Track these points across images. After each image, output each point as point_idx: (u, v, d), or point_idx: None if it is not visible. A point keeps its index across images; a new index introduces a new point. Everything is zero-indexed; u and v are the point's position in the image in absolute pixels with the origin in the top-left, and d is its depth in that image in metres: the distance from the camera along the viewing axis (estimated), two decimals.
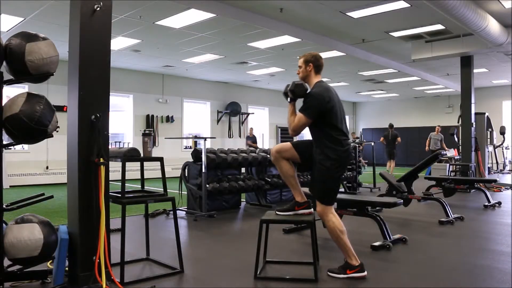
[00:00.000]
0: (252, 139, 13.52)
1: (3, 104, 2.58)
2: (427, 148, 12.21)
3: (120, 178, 3.07)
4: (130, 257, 3.45)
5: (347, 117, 23.77)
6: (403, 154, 18.01)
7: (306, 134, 3.54)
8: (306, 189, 4.05)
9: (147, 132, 3.64)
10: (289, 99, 3.13)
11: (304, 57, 3.16)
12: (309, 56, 3.14)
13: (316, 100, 2.97)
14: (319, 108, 2.96)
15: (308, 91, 3.07)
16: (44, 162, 10.42)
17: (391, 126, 12.64)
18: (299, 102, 3.11)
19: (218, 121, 14.52)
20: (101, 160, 2.79)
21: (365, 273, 3.04)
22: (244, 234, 4.80)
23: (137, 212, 5.59)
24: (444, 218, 5.16)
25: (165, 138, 11.15)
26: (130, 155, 3.20)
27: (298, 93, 3.06)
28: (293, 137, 3.17)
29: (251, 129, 13.96)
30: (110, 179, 2.92)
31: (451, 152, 11.10)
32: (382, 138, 12.79)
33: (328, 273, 3.08)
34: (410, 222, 5.29)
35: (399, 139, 12.42)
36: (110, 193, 2.99)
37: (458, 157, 10.48)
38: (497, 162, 12.91)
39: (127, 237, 3.02)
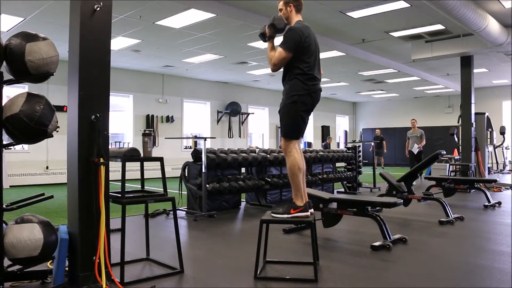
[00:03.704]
0: None
1: (3, 104, 2.58)
2: (406, 152, 11.22)
3: (120, 178, 3.07)
4: (130, 257, 3.44)
5: (346, 117, 23.53)
6: (402, 155, 18.01)
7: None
8: (309, 190, 4.04)
9: (147, 132, 3.64)
10: (266, 38, 3.17)
11: None
12: None
13: (296, 34, 3.03)
14: (299, 43, 3.02)
15: (288, 27, 3.12)
16: (44, 162, 10.43)
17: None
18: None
19: (218, 121, 14.52)
20: (101, 160, 2.79)
21: (308, 212, 3.07)
22: (244, 234, 4.80)
23: (137, 212, 5.59)
24: (444, 218, 5.16)
25: (165, 138, 11.15)
26: (130, 155, 3.20)
27: (278, 25, 3.10)
28: (273, 71, 3.21)
29: None
30: (110, 179, 2.91)
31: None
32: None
33: (272, 214, 3.08)
34: (410, 222, 5.29)
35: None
36: (110, 193, 2.99)
37: (458, 157, 10.49)
38: (497, 162, 12.93)
39: (127, 237, 3.02)
